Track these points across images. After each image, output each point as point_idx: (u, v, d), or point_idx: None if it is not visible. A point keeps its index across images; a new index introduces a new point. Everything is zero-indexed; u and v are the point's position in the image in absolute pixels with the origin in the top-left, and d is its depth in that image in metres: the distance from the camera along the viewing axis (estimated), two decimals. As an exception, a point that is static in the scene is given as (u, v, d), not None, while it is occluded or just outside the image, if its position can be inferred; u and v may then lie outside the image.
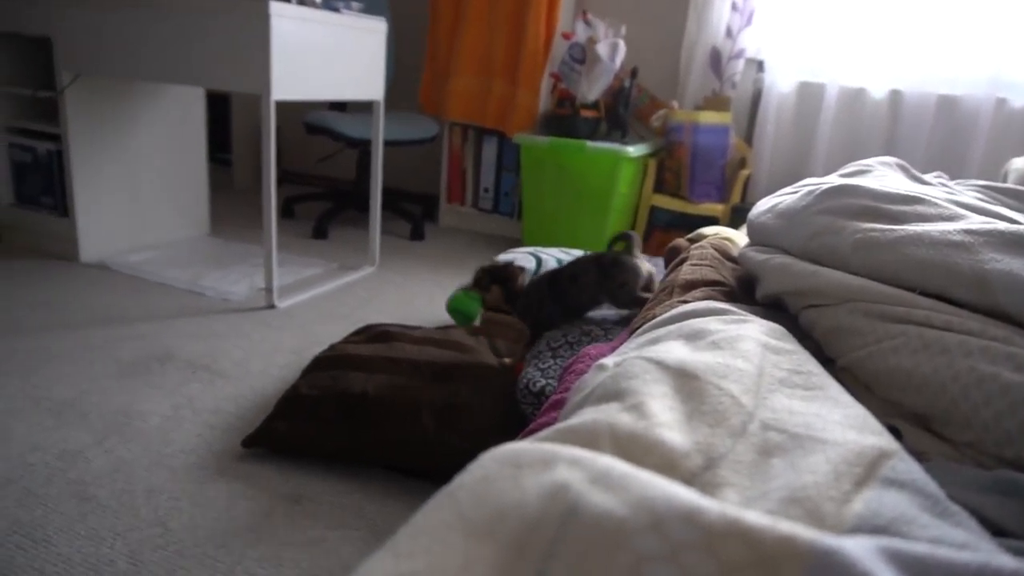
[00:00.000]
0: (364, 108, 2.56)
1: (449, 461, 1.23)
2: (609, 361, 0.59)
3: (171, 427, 1.40)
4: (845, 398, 0.56)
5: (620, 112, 2.82)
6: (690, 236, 1.19)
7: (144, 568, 1.02)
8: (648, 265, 1.45)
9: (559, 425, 0.45)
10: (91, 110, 2.30)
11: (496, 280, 1.53)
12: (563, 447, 0.40)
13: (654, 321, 0.68)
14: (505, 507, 0.36)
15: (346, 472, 1.29)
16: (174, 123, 2.62)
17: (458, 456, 1.22)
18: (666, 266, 1.14)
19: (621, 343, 0.82)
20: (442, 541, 0.36)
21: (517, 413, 1.27)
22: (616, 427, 0.42)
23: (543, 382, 1.24)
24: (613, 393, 0.48)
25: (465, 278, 2.48)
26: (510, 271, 1.51)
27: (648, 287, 1.42)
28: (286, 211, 3.23)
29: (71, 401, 1.46)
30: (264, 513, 1.16)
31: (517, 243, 2.85)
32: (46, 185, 2.36)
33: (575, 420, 0.45)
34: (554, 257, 1.90)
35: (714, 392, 0.49)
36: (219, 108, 3.67)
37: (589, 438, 0.41)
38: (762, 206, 1.13)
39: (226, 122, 3.77)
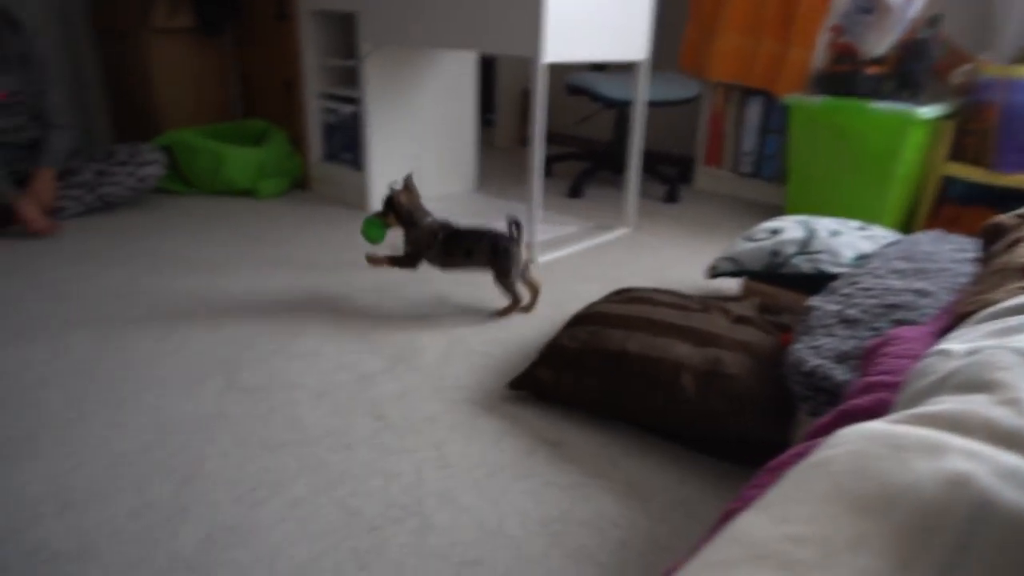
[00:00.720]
0: (623, 69, 2.56)
1: (708, 427, 1.23)
2: (956, 348, 0.54)
3: (446, 362, 1.55)
4: None
5: (913, 68, 2.50)
6: (1019, 212, 1.02)
7: (426, 484, 1.15)
8: (526, 253, 1.76)
9: (917, 411, 0.42)
10: (383, 76, 2.56)
11: (389, 205, 1.75)
12: (946, 434, 0.38)
13: (998, 308, 0.60)
14: (894, 487, 0.35)
15: (603, 424, 1.34)
16: (449, 86, 2.83)
17: (719, 423, 1.21)
18: (986, 246, 1.00)
19: (940, 327, 0.74)
20: (825, 511, 0.36)
21: (781, 389, 1.21)
22: (993, 421, 0.38)
23: (815, 362, 1.17)
24: (979, 383, 0.44)
25: (721, 244, 2.41)
26: (395, 197, 1.75)
27: (524, 273, 1.77)
28: (545, 170, 3.36)
29: (368, 330, 1.68)
30: (527, 452, 1.25)
31: (778, 210, 2.68)
32: (347, 143, 2.70)
33: (936, 408, 0.42)
34: (827, 229, 1.76)
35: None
36: (486, 71, 3.89)
37: (960, 429, 0.38)
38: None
39: (491, 84, 3.99)
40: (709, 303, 1.55)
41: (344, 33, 2.78)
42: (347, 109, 2.64)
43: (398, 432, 1.29)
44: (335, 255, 2.19)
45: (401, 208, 1.77)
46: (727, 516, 0.54)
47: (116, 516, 1.06)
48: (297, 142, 2.92)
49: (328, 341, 1.62)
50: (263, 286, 1.93)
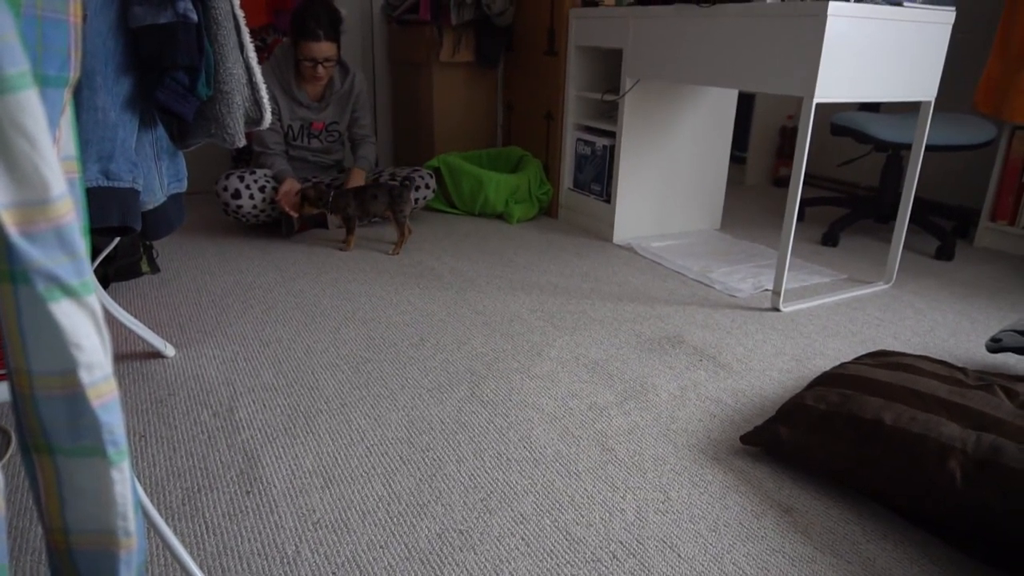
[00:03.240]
0: (899, 108, 2.34)
1: (976, 524, 1.08)
2: None
3: (677, 405, 1.53)
4: None
5: None
6: None
7: (648, 526, 1.15)
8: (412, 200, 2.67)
9: None
10: (642, 111, 2.61)
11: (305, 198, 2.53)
12: None
13: None
14: None
15: (842, 496, 1.23)
16: (705, 122, 2.80)
17: (990, 522, 1.06)
18: None
19: None
20: None
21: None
22: None
23: None
24: None
25: (1005, 312, 2.10)
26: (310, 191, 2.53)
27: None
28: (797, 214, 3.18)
29: (601, 362, 1.72)
30: (755, 513, 1.19)
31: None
32: (597, 174, 2.78)
33: None
34: None
35: None
36: (742, 107, 3.78)
37: None
38: None
39: (746, 119, 3.87)
40: (989, 380, 1.36)
41: (605, 68, 2.88)
42: (601, 142, 2.73)
43: (624, 468, 1.30)
44: (577, 283, 2.26)
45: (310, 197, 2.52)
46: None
47: (368, 499, 1.20)
48: (549, 171, 3.08)
49: (564, 367, 1.69)
50: (508, 306, 2.06)
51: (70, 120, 0.55)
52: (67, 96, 0.53)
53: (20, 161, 0.41)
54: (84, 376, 0.47)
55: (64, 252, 0.44)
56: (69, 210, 0.44)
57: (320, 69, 2.57)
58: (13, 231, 0.42)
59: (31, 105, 0.40)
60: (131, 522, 0.51)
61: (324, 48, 2.53)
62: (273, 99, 2.61)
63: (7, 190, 0.41)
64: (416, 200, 2.84)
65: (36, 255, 0.43)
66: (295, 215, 2.58)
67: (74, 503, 0.49)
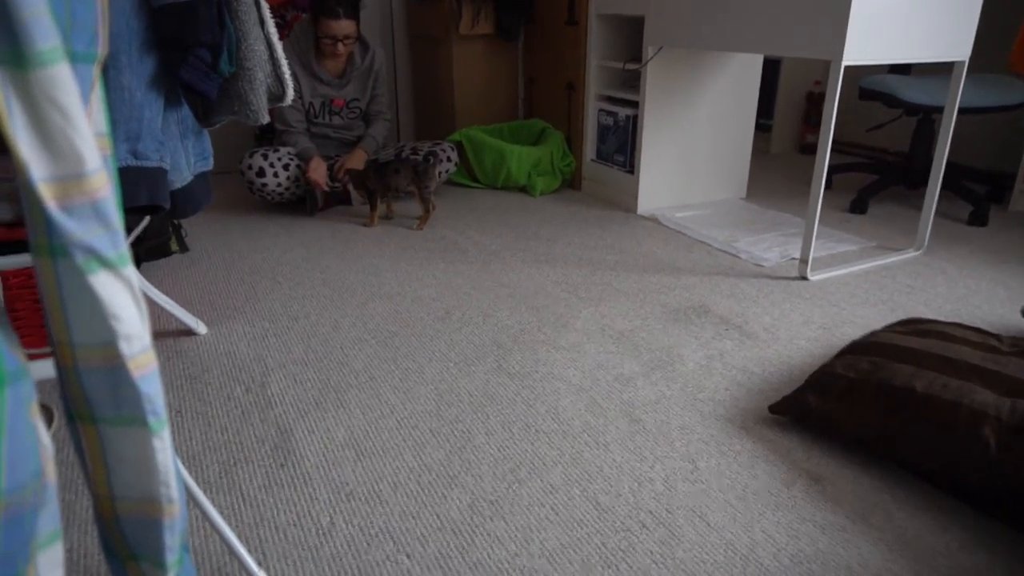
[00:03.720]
0: (931, 70, 2.28)
1: (1009, 489, 1.07)
2: None
3: (704, 375, 1.53)
4: None
5: None
6: None
7: (675, 495, 1.16)
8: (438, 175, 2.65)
9: None
10: (664, 80, 2.57)
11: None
12: None
13: None
14: None
15: (873, 465, 1.23)
16: (730, 90, 2.75)
17: (1023, 489, 1.05)
18: None
19: None
20: None
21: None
22: None
23: None
24: None
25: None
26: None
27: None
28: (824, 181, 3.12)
29: (627, 333, 1.72)
30: (784, 482, 1.19)
31: None
32: (620, 145, 2.75)
33: None
34: None
35: None
36: (767, 72, 3.71)
37: None
38: None
39: (771, 86, 3.80)
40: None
41: (627, 37, 2.83)
42: (624, 112, 2.70)
43: (652, 438, 1.31)
44: (601, 255, 2.25)
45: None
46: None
47: (399, 471, 1.21)
48: (572, 142, 3.05)
49: (590, 339, 1.69)
50: (533, 279, 2.06)
51: (100, 97, 0.55)
52: (96, 72, 0.53)
53: (56, 136, 0.41)
54: (124, 347, 0.48)
55: (100, 225, 0.45)
56: (104, 183, 0.44)
57: (340, 46, 2.57)
58: (52, 205, 0.42)
59: (64, 79, 0.41)
60: (173, 489, 0.53)
61: (344, 26, 2.52)
62: (294, 76, 2.61)
63: (45, 164, 0.41)
64: (439, 174, 2.84)
65: (74, 228, 0.44)
66: (327, 189, 2.62)
67: (119, 471, 0.51)
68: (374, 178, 2.52)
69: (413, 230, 2.51)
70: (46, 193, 0.42)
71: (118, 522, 0.53)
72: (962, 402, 1.15)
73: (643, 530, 1.08)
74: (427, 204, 2.53)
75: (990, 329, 1.73)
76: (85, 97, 0.52)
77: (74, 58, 0.50)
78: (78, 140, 0.42)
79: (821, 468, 1.23)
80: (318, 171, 2.59)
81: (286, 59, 1.36)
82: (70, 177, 0.43)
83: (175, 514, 0.54)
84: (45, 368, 1.26)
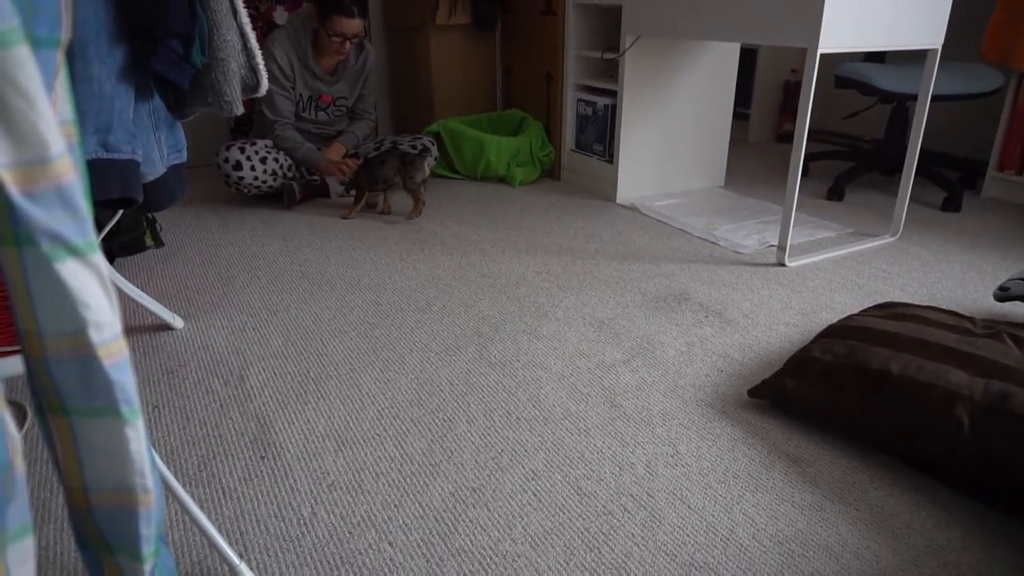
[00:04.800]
0: (905, 58, 2.30)
1: (983, 470, 1.08)
2: None
3: (684, 361, 1.54)
4: None
5: None
6: None
7: (656, 479, 1.16)
8: (429, 166, 2.55)
9: None
10: (643, 69, 2.57)
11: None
12: None
13: None
14: None
15: (850, 446, 1.24)
16: (707, 79, 2.76)
17: (998, 468, 1.07)
18: None
19: None
20: None
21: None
22: None
23: None
24: None
25: (1013, 262, 2.09)
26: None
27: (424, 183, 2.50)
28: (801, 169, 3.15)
29: (607, 321, 1.72)
30: (764, 464, 1.20)
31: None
32: (599, 135, 2.76)
33: None
34: None
35: None
36: (744, 62, 3.72)
37: None
38: None
39: (749, 75, 3.81)
40: (998, 328, 1.36)
41: (604, 27, 2.83)
42: (603, 101, 2.70)
43: (632, 423, 1.31)
44: (582, 244, 2.26)
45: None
46: None
47: (380, 461, 1.21)
48: (551, 132, 3.05)
49: (570, 327, 1.69)
50: (514, 269, 2.06)
51: (64, 83, 0.54)
52: (60, 58, 0.52)
53: (17, 119, 0.40)
54: (94, 335, 0.47)
55: (66, 212, 0.44)
56: (69, 169, 0.44)
57: (347, 44, 2.55)
58: (15, 191, 0.41)
59: (25, 61, 0.40)
60: (148, 479, 0.52)
61: (356, 24, 2.50)
62: (290, 67, 2.58)
63: (6, 150, 0.41)
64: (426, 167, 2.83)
65: (39, 215, 0.43)
66: (346, 179, 2.66)
67: (91, 462, 0.50)
68: (362, 172, 2.50)
69: (391, 223, 2.49)
70: (8, 179, 0.41)
71: (92, 513, 0.52)
72: (937, 383, 1.17)
73: (625, 514, 1.08)
74: (416, 197, 2.51)
75: (964, 312, 1.76)
76: (49, 83, 0.51)
77: (36, 43, 0.49)
78: (41, 124, 0.41)
79: (800, 450, 1.24)
80: (339, 163, 2.64)
81: (281, 49, 1.34)
82: (33, 162, 0.42)
83: (151, 504, 0.53)
84: (15, 364, 1.24)
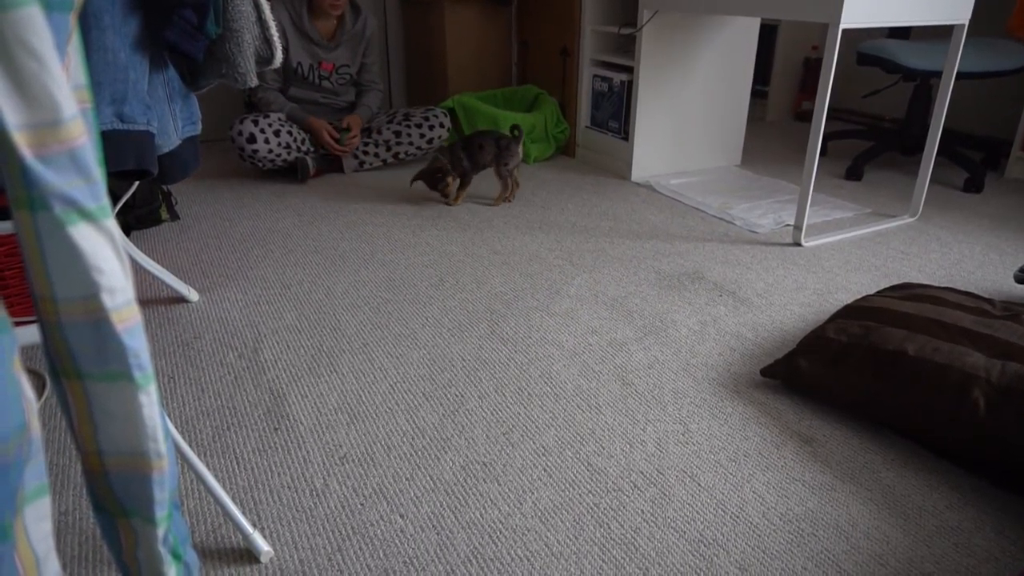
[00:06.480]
0: (929, 34, 2.25)
1: (997, 449, 1.07)
2: None
3: (697, 340, 1.53)
4: None
5: None
6: None
7: (666, 456, 1.16)
8: (521, 152, 2.42)
9: None
10: (660, 45, 2.53)
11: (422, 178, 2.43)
12: None
13: None
14: None
15: (863, 427, 1.24)
16: (725, 56, 2.71)
17: (1013, 450, 1.06)
18: None
19: None
20: None
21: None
22: None
23: None
24: None
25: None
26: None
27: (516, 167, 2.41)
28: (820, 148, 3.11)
29: (620, 299, 1.71)
30: (775, 444, 1.20)
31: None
32: (614, 112, 2.73)
33: None
34: None
35: None
36: (764, 39, 3.66)
37: None
38: None
39: (768, 52, 3.75)
40: (1016, 311, 1.34)
41: (622, 1, 2.79)
42: (619, 78, 2.67)
43: (644, 401, 1.31)
44: (595, 221, 2.24)
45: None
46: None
47: (392, 434, 1.22)
48: (566, 109, 3.02)
49: (583, 305, 1.69)
50: (527, 246, 2.05)
51: (77, 48, 0.54)
52: (73, 22, 0.52)
53: (30, 81, 0.40)
54: (107, 300, 0.47)
55: (79, 175, 0.44)
56: (82, 132, 0.43)
57: (339, 1, 2.55)
58: (27, 153, 0.41)
59: (36, 23, 0.40)
60: (161, 444, 0.53)
61: None
62: (282, 33, 2.57)
63: (19, 111, 0.40)
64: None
65: (52, 178, 0.43)
66: (346, 152, 2.69)
67: (106, 426, 0.51)
68: (464, 158, 2.38)
69: (448, 205, 2.48)
70: (21, 141, 0.41)
71: (107, 477, 0.53)
72: (953, 364, 1.16)
73: (634, 490, 1.08)
74: (506, 181, 2.40)
75: (983, 294, 1.73)
76: (62, 48, 0.50)
77: (49, 6, 0.48)
78: (53, 86, 0.41)
79: (811, 430, 1.23)
80: (329, 133, 2.64)
81: (274, 16, 1.34)
82: (46, 124, 0.42)
83: (164, 469, 0.54)
84: (32, 333, 1.26)
